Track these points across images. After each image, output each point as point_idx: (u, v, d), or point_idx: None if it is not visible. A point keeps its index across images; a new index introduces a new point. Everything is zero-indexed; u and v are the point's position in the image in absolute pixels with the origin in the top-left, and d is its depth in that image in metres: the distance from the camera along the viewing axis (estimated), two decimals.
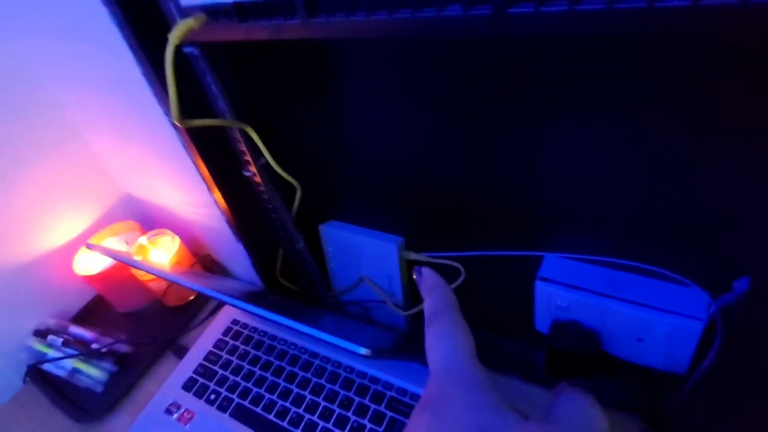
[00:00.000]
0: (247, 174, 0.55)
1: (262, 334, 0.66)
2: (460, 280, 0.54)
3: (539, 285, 0.49)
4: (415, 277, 0.32)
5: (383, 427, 0.51)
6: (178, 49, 0.39)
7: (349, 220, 0.63)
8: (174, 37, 0.37)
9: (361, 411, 0.53)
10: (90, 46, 0.52)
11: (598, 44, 0.34)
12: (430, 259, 0.57)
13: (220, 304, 0.74)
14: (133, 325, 0.76)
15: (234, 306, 0.46)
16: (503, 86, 0.40)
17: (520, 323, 0.54)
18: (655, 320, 0.43)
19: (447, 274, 0.55)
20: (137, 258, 0.69)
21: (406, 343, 0.58)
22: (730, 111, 0.32)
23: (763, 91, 0.30)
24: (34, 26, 0.58)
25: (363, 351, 0.35)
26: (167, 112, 0.50)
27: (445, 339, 0.25)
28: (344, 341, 0.35)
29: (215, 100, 0.47)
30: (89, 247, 0.61)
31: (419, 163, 0.51)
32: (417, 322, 0.66)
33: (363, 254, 0.61)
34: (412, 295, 0.63)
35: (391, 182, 0.55)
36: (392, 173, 0.54)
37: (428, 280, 0.30)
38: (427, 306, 0.28)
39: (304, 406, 0.55)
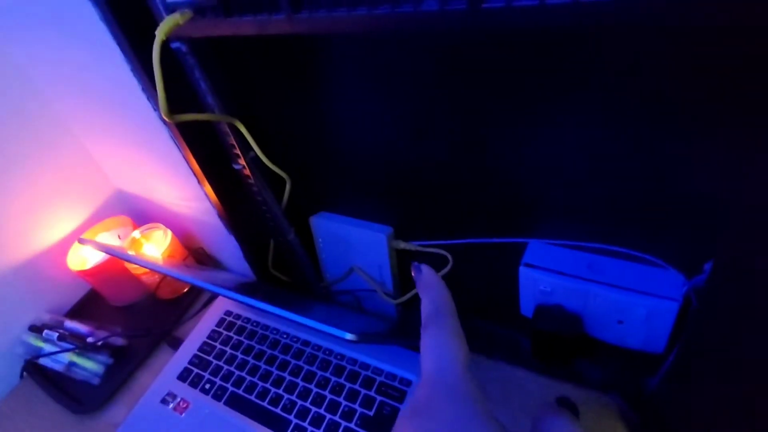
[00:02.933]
0: (236, 167, 0.56)
1: (254, 324, 0.67)
2: (448, 267, 0.55)
3: (524, 271, 0.50)
4: (413, 273, 0.31)
5: (373, 410, 0.53)
6: (165, 45, 0.39)
7: (339, 211, 0.64)
8: (161, 33, 0.38)
9: (352, 396, 0.55)
10: (78, 43, 0.53)
11: (572, 37, 0.35)
12: (419, 248, 0.58)
13: (213, 296, 0.75)
14: (127, 319, 0.77)
15: (226, 297, 0.48)
16: (486, 78, 0.41)
17: (506, 308, 0.56)
18: (633, 302, 0.45)
19: (435, 262, 0.56)
20: (130, 252, 0.70)
21: (396, 330, 0.60)
22: (702, 102, 0.33)
23: (732, 82, 0.31)
24: (23, 26, 0.58)
25: (348, 336, 0.36)
26: (156, 108, 0.51)
27: (441, 346, 0.25)
28: (331, 327, 0.36)
29: (204, 95, 0.48)
30: (81, 242, 0.62)
31: (406, 153, 0.52)
32: (407, 311, 0.68)
33: (353, 244, 0.63)
34: (402, 283, 0.65)
35: (380, 173, 0.56)
36: (380, 164, 0.55)
37: (426, 278, 0.30)
38: (424, 306, 0.28)
39: (296, 392, 0.57)
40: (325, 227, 0.64)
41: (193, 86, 0.48)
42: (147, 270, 0.72)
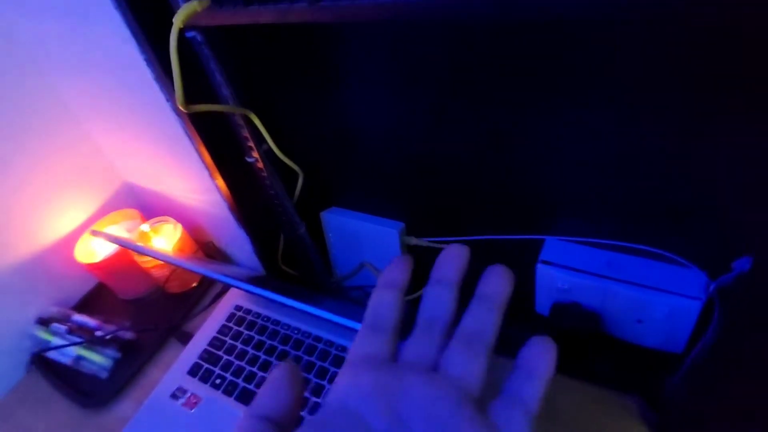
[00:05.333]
0: (249, 160, 0.55)
1: (265, 319, 0.66)
2: None
3: (541, 268, 0.49)
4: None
5: None
6: (181, 34, 0.39)
7: (350, 207, 0.63)
8: (178, 20, 0.37)
9: None
10: (90, 32, 0.52)
11: (597, 30, 0.34)
12: (431, 244, 0.57)
13: (223, 291, 0.74)
14: (136, 313, 0.76)
15: (239, 288, 0.47)
16: (504, 72, 0.40)
17: (520, 306, 0.55)
18: (654, 300, 0.44)
19: None
20: (140, 244, 0.69)
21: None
22: (726, 94, 0.33)
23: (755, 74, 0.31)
24: (34, 16, 0.57)
25: None
26: (169, 98, 0.50)
27: None
28: (348, 320, 0.36)
29: (218, 86, 0.48)
30: (93, 233, 0.61)
31: (420, 148, 0.51)
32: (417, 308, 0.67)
33: (364, 240, 0.62)
34: (413, 280, 0.64)
35: (392, 168, 0.55)
36: (393, 159, 0.54)
37: None
38: None
39: (309, 389, 0.56)
40: (336, 222, 0.64)
41: (208, 77, 0.47)
42: (157, 263, 0.71)
